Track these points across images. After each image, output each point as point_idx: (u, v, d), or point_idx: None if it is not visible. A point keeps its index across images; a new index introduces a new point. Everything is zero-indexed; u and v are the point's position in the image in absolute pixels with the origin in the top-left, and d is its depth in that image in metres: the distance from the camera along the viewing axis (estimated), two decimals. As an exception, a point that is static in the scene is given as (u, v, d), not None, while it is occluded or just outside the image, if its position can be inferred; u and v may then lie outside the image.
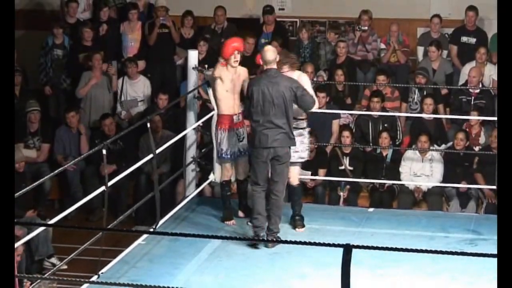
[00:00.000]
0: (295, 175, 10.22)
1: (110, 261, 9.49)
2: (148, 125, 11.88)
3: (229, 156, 10.08)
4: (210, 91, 11.09)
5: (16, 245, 8.43)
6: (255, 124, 9.75)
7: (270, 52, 9.87)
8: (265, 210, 9.83)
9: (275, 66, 9.82)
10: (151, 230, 10.17)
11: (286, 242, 9.21)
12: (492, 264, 9.31)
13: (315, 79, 13.76)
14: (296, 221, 10.45)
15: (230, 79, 10.08)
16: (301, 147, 10.07)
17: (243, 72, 10.31)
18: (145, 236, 10.00)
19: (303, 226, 10.41)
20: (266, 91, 9.61)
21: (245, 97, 9.99)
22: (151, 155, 10.60)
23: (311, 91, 10.20)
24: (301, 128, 10.16)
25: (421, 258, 9.55)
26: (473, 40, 14.44)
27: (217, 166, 11.14)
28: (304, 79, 10.23)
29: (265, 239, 9.73)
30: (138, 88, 14.01)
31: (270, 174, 9.87)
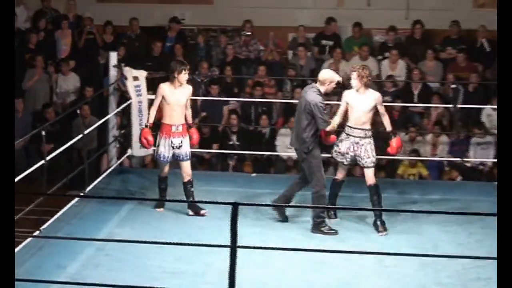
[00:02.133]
0: (371, 177, 9.31)
1: (49, 219, 9.44)
2: (78, 111, 11.84)
3: (163, 160, 9.60)
4: (127, 83, 11.09)
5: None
6: None
7: (321, 72, 9.41)
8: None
9: (319, 84, 9.17)
10: (82, 194, 10.13)
11: (184, 201, 9.24)
12: (348, 213, 9.56)
13: (209, 73, 13.80)
14: (379, 226, 9.26)
15: (173, 93, 9.57)
16: (370, 153, 9.29)
17: (188, 89, 9.73)
18: (76, 199, 9.94)
19: (384, 229, 9.24)
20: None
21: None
22: (81, 135, 10.58)
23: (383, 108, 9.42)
24: (369, 137, 9.35)
25: (293, 211, 9.69)
26: (330, 43, 14.55)
27: (135, 143, 11.15)
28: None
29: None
30: (69, 83, 13.88)
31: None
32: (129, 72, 11.19)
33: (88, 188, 10.37)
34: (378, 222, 9.25)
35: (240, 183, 11.12)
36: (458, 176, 12.30)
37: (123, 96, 11.63)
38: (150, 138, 9.62)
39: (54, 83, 13.91)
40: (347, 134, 9.42)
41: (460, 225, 9.43)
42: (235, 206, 6.49)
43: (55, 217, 9.52)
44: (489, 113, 12.78)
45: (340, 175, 9.66)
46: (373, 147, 9.32)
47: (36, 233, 8.98)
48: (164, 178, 9.80)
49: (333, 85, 9.24)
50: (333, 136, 9.27)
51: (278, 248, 8.17)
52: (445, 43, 14.37)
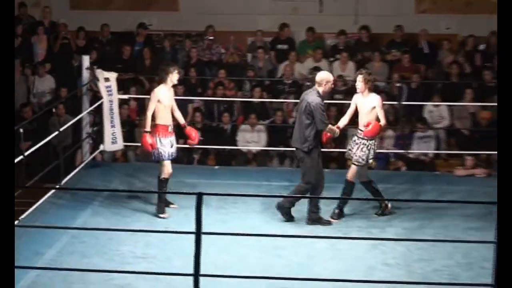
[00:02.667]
0: (351, 173, 9.34)
1: (27, 210, 9.40)
2: (54, 110, 11.78)
3: (169, 157, 9.39)
4: (99, 84, 11.07)
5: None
6: None
7: (318, 74, 9.20)
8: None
9: (317, 86, 9.01)
10: (57, 186, 10.10)
11: (154, 192, 9.24)
12: (304, 202, 9.61)
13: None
14: (336, 214, 9.35)
15: (166, 95, 9.43)
16: (360, 153, 9.24)
17: (172, 90, 9.58)
18: (53, 191, 9.91)
19: (338, 219, 9.32)
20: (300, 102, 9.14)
21: None
22: (56, 132, 10.54)
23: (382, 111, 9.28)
24: (366, 139, 9.23)
25: (252, 200, 9.72)
26: (285, 46, 14.57)
27: (107, 139, 11.13)
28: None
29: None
30: (45, 84, 13.77)
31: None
32: (100, 74, 11.18)
33: (63, 181, 10.34)
34: (336, 211, 9.33)
35: (204, 175, 11.15)
36: (403, 167, 12.40)
37: (95, 96, 11.60)
38: (151, 141, 9.32)
39: (31, 85, 13.80)
40: (356, 135, 9.42)
41: (404, 212, 9.53)
42: (199, 196, 6.52)
43: (33, 208, 9.48)
44: (430, 109, 12.90)
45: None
46: (365, 149, 9.23)
47: (16, 222, 8.94)
48: (167, 179, 9.43)
49: (330, 85, 9.12)
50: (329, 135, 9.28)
51: (240, 234, 8.20)
52: (390, 46, 14.46)
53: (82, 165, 11.29)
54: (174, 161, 12.72)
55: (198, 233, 6.54)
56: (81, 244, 8.44)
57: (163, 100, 9.36)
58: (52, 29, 14.77)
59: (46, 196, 9.80)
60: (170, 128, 9.48)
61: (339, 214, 9.35)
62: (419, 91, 13.27)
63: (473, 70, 13.79)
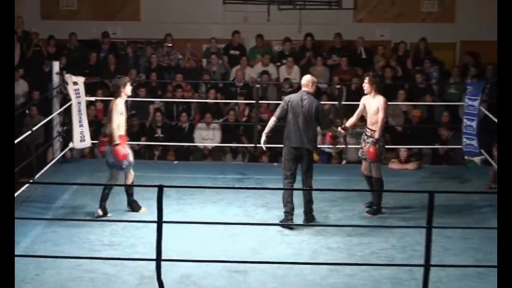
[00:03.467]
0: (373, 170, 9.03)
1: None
2: (27, 112, 11.64)
3: (130, 164, 8.89)
4: (68, 88, 10.95)
5: None
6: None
7: (303, 78, 8.84)
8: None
9: (306, 89, 8.67)
10: (31, 181, 9.97)
11: (119, 185, 9.16)
12: (253, 193, 9.61)
13: (137, 79, 13.68)
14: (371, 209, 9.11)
15: (123, 106, 8.85)
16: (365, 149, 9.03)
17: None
18: (27, 185, 9.79)
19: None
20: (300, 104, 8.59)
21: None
22: (29, 132, 10.42)
23: (382, 114, 8.92)
24: (372, 137, 8.97)
25: (209, 191, 9.70)
26: (237, 52, 14.56)
27: (76, 137, 11.03)
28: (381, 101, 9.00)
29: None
30: (19, 88, 13.59)
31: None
32: (69, 78, 11.07)
33: (36, 176, 10.22)
34: (374, 207, 9.05)
35: (164, 169, 11.09)
36: (343, 161, 12.45)
37: (65, 98, 11.51)
38: (124, 151, 8.76)
39: (4, 89, 13.63)
40: (365, 134, 9.19)
41: (345, 200, 9.56)
42: (160, 188, 6.49)
43: (8, 201, 9.36)
44: (367, 108, 12.96)
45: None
46: (376, 146, 8.95)
47: (-8, 214, 8.82)
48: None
49: (315, 85, 8.84)
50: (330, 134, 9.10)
51: (198, 222, 8.18)
52: (330, 52, 14.53)
53: (53, 161, 11.17)
54: (137, 157, 12.68)
55: (160, 222, 6.51)
56: (53, 233, 8.35)
57: (123, 112, 8.83)
58: (25, 37, 14.60)
59: (20, 190, 9.68)
60: (126, 137, 8.98)
61: (376, 211, 9.05)
62: (357, 92, 13.31)
63: (405, 73, 13.90)
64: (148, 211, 8.90)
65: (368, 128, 9.12)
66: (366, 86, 9.11)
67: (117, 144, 8.73)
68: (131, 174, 9.02)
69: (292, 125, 8.59)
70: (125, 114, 8.93)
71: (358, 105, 12.69)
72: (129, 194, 9.12)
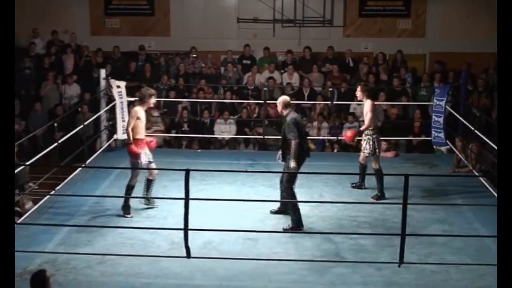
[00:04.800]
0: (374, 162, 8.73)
1: (60, 183, 9.29)
2: (80, 109, 11.63)
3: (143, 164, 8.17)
4: (112, 90, 10.91)
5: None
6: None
7: (281, 99, 7.86)
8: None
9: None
10: (83, 165, 9.98)
11: (154, 169, 9.15)
12: (262, 175, 9.58)
13: (168, 83, 13.64)
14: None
15: (143, 114, 8.21)
16: (367, 146, 8.75)
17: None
18: (80, 169, 9.80)
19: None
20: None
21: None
22: (82, 126, 10.42)
23: (369, 114, 8.68)
24: (369, 135, 8.73)
25: (226, 174, 9.69)
26: (248, 62, 14.49)
27: (119, 130, 11.02)
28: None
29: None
30: (73, 90, 13.56)
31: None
32: (113, 82, 11.06)
33: (87, 161, 10.22)
34: (378, 194, 8.73)
35: (190, 156, 11.07)
36: (336, 149, 12.40)
37: (110, 99, 11.48)
38: (136, 150, 8.11)
39: (62, 91, 13.61)
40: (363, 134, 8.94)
41: (336, 181, 9.53)
42: (187, 172, 6.48)
43: (65, 181, 9.40)
44: (354, 107, 12.91)
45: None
46: (371, 142, 8.75)
47: (52, 192, 8.85)
48: (134, 186, 8.21)
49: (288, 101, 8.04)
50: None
51: (217, 199, 8.19)
52: (324, 61, 14.46)
53: (101, 150, 11.16)
54: (168, 145, 12.71)
55: (187, 199, 6.51)
56: (101, 207, 8.37)
57: (141, 118, 8.17)
58: (78, 50, 14.58)
59: (74, 173, 9.71)
60: (145, 141, 8.26)
61: (379, 197, 8.75)
62: (346, 94, 13.27)
63: (385, 78, 13.82)
64: (177, 190, 8.88)
65: (365, 128, 8.92)
66: (358, 93, 8.94)
67: (130, 143, 8.08)
68: (136, 177, 8.21)
69: (302, 143, 7.76)
70: (144, 121, 8.23)
71: (346, 104, 12.78)
72: (128, 196, 8.15)
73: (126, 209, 8.15)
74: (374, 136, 8.85)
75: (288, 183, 7.66)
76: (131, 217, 8.06)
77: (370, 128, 8.82)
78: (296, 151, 7.56)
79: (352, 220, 8.08)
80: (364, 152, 8.92)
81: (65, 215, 8.09)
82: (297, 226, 7.63)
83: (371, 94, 9.00)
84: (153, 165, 8.36)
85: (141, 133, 8.22)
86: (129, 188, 8.18)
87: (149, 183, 8.46)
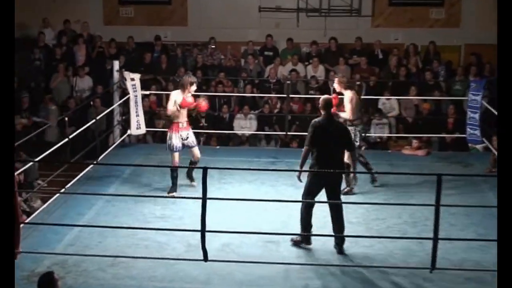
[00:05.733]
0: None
1: (71, 180, 9.33)
2: (92, 103, 11.68)
3: (175, 149, 8.83)
4: (126, 83, 10.95)
5: (17, 172, 8.20)
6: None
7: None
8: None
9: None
10: (95, 162, 10.00)
11: (169, 167, 9.14)
12: (284, 174, 9.55)
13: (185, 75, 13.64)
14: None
15: (180, 99, 8.82)
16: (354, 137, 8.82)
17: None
18: (91, 166, 9.83)
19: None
20: None
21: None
22: (94, 120, 10.45)
23: (349, 105, 8.82)
24: (350, 125, 8.75)
25: (245, 172, 9.66)
26: (270, 53, 14.45)
27: (133, 125, 11.05)
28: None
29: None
30: (85, 83, 13.61)
31: None
32: (127, 75, 11.10)
33: (99, 158, 10.25)
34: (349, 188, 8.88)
35: (208, 153, 11.00)
36: (363, 147, 12.28)
37: (124, 92, 11.52)
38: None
39: (73, 83, 13.67)
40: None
41: (364, 181, 9.46)
42: (205, 169, 6.46)
43: (76, 179, 9.43)
44: (383, 102, 12.84)
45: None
46: (358, 135, 8.93)
47: (62, 190, 8.89)
48: (176, 167, 8.87)
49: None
50: None
51: (236, 199, 8.16)
52: (351, 53, 14.38)
53: (114, 145, 11.20)
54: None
55: (204, 198, 6.48)
56: (113, 207, 8.39)
57: (177, 102, 8.82)
58: (90, 40, 14.63)
59: (86, 170, 9.74)
60: (181, 125, 8.90)
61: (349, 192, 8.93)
62: (374, 88, 13.19)
63: (416, 71, 13.72)
64: (194, 188, 8.90)
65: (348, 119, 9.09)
66: (336, 85, 9.08)
67: (180, 107, 8.81)
68: (174, 159, 8.83)
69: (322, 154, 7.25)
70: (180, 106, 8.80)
71: (375, 99, 12.70)
72: (173, 177, 8.91)
73: (171, 188, 8.88)
74: (359, 128, 8.96)
75: (302, 196, 7.27)
76: (172, 196, 8.66)
77: (354, 121, 8.92)
78: (303, 158, 7.21)
79: (380, 222, 8.02)
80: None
81: (75, 214, 8.12)
82: (303, 241, 7.33)
83: (350, 86, 9.15)
84: (195, 149, 9.02)
85: (177, 117, 8.86)
86: (172, 170, 8.88)
87: (191, 164, 9.01)
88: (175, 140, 8.85)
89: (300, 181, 7.22)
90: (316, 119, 7.30)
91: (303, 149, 7.28)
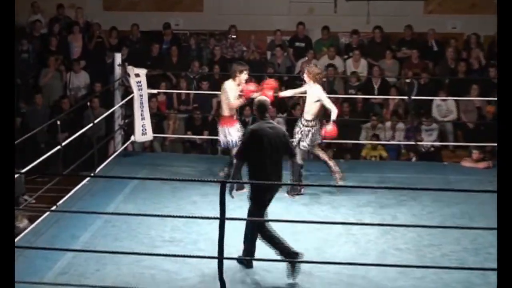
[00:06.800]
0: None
1: (64, 196, 9.39)
2: (89, 104, 11.77)
3: (229, 145, 9.69)
4: (130, 80, 11.03)
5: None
6: None
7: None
8: None
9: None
10: (92, 174, 10.07)
11: (180, 180, 9.20)
12: (318, 190, 9.54)
13: (200, 71, 13.73)
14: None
15: (234, 90, 9.72)
16: (305, 138, 9.51)
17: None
18: (88, 179, 9.89)
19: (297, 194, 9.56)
20: None
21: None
22: (91, 124, 10.51)
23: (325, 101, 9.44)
24: (310, 126, 9.49)
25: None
26: (302, 44, 14.49)
27: (137, 130, 11.12)
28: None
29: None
30: (80, 79, 13.77)
31: None
32: (131, 70, 11.18)
33: (97, 170, 10.32)
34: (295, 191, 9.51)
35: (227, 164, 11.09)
36: (414, 157, 12.31)
37: (127, 91, 11.60)
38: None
39: (67, 80, 13.80)
40: (300, 123, 9.61)
41: (414, 199, 9.44)
42: (223, 183, 6.47)
43: (69, 194, 9.49)
44: (438, 103, 12.80)
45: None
46: (311, 134, 9.47)
47: (53, 208, 8.95)
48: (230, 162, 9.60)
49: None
50: None
51: (260, 219, 8.13)
52: (400, 44, 14.36)
53: (115, 154, 11.28)
54: (200, 149, 12.76)
55: (222, 219, 6.49)
56: (113, 228, 8.42)
57: (230, 93, 9.56)
58: (87, 29, 14.78)
59: (81, 184, 9.80)
60: (235, 117, 9.71)
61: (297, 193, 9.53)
62: (427, 86, 13.15)
63: (479, 67, 13.66)
64: (210, 207, 8.91)
65: (303, 118, 9.51)
66: (305, 76, 9.52)
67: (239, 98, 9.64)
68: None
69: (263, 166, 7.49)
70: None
71: (428, 99, 12.65)
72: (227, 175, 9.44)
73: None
74: (316, 127, 9.46)
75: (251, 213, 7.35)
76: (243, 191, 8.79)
77: (311, 119, 9.40)
78: (235, 174, 7.54)
79: (434, 249, 7.97)
80: (302, 147, 9.41)
81: (69, 236, 8.16)
82: (245, 260, 7.37)
83: (320, 79, 9.50)
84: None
85: (231, 110, 9.57)
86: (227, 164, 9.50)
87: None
88: (235, 134, 9.54)
89: (232, 197, 7.27)
90: (250, 126, 7.63)
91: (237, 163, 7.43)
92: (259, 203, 7.35)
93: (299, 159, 9.30)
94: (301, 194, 9.59)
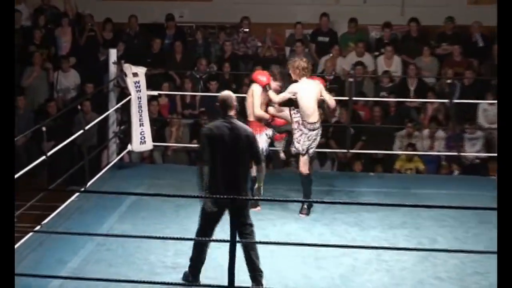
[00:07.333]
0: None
1: (50, 214, 9.40)
2: (79, 107, 11.78)
3: (265, 153, 9.84)
4: (127, 80, 11.06)
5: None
6: None
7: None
8: None
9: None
10: (82, 189, 10.07)
11: (185, 196, 9.17)
12: (344, 208, 9.51)
13: (208, 70, 13.74)
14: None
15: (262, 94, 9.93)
16: (301, 140, 9.73)
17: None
18: (77, 194, 9.90)
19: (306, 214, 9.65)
20: None
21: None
22: (81, 131, 10.53)
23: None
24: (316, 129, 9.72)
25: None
26: (326, 39, 14.50)
27: (135, 139, 11.12)
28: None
29: None
30: (70, 79, 13.82)
31: None
32: (128, 68, 11.19)
33: (89, 184, 10.31)
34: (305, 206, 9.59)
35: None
36: (456, 170, 12.26)
37: (123, 92, 11.60)
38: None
39: (54, 80, 13.83)
40: (303, 127, 9.73)
41: (457, 220, 9.39)
42: (232, 200, 6.45)
43: (56, 212, 9.51)
44: (485, 107, 12.74)
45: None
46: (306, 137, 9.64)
47: (37, 228, 8.94)
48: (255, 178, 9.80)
49: None
50: None
51: (277, 243, 8.12)
52: (440, 39, 14.33)
53: (108, 166, 11.28)
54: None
55: (233, 242, 6.47)
56: (107, 252, 8.41)
57: (256, 100, 9.80)
58: (78, 21, 14.82)
59: (70, 200, 9.82)
60: (264, 123, 9.86)
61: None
62: (472, 88, 13.11)
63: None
64: (219, 228, 8.86)
65: (306, 121, 9.63)
66: (291, 74, 9.83)
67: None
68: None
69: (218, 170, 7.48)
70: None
71: (473, 103, 12.60)
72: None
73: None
74: (320, 129, 9.68)
75: (198, 225, 7.50)
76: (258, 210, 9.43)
77: (316, 120, 9.62)
78: (200, 180, 7.29)
79: (480, 278, 7.92)
80: (294, 148, 9.68)
81: (55, 261, 8.16)
82: (190, 275, 7.54)
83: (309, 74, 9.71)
84: None
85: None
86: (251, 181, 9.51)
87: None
88: (263, 142, 9.71)
89: (210, 209, 7.24)
90: (210, 126, 7.48)
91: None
92: (204, 218, 7.34)
93: (306, 169, 9.48)
94: (307, 214, 9.62)
